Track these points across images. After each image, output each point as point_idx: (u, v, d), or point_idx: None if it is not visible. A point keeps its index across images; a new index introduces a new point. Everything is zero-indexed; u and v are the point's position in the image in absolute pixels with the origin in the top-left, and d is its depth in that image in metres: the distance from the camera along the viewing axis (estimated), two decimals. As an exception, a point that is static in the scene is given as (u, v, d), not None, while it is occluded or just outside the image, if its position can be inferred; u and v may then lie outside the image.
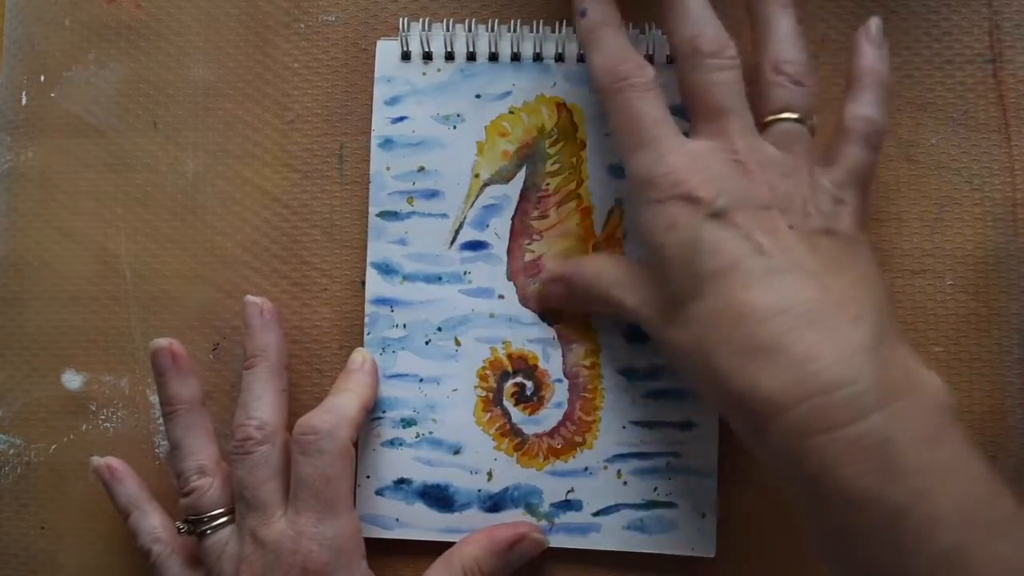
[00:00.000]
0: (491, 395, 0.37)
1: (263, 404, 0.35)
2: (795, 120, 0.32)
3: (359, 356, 0.37)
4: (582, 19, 0.33)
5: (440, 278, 0.37)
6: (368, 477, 0.37)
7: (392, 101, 0.38)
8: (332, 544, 0.32)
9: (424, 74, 0.38)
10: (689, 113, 0.33)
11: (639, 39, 0.37)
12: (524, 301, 0.37)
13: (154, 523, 0.36)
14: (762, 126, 0.32)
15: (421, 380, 0.37)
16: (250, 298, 0.37)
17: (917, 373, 0.28)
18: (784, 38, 0.33)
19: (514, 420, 0.37)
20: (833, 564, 0.28)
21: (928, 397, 0.27)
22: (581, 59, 0.37)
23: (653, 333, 0.32)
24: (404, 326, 0.37)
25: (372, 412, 0.37)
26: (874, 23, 0.34)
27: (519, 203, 0.37)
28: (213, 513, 0.35)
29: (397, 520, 0.37)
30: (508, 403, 0.37)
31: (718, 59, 0.32)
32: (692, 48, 0.32)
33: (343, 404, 0.35)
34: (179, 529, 0.35)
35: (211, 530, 0.34)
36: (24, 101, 0.40)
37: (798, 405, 0.27)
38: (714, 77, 0.31)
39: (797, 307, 0.28)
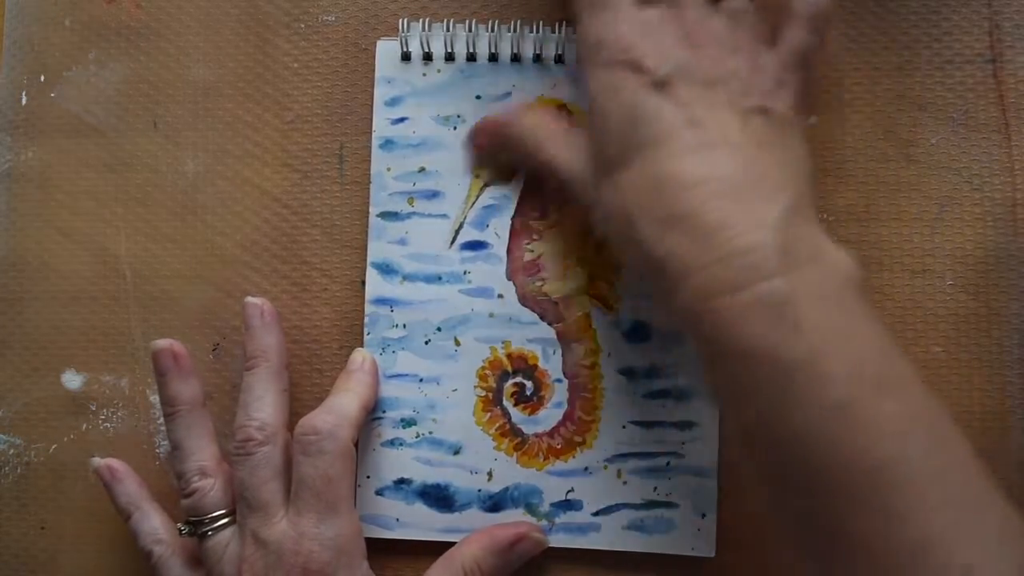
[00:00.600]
0: (491, 395, 0.37)
1: (264, 405, 0.35)
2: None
3: (359, 356, 0.37)
4: None
5: (440, 278, 0.37)
6: (368, 477, 0.37)
7: (392, 102, 0.38)
8: (333, 544, 0.32)
9: (424, 75, 0.38)
10: None
11: None
12: (524, 301, 0.37)
13: (155, 524, 0.36)
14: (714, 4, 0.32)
15: (421, 380, 0.37)
16: (250, 299, 0.37)
17: (825, 247, 0.29)
18: None
19: (514, 420, 0.37)
20: (728, 417, 0.30)
21: (832, 268, 0.29)
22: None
23: (581, 195, 0.33)
24: (404, 326, 0.37)
25: (372, 412, 0.37)
26: None
27: (519, 203, 0.37)
28: (215, 514, 0.35)
29: (397, 520, 0.37)
30: (508, 403, 0.37)
31: None
32: None
33: (344, 404, 0.35)
34: (180, 530, 0.35)
35: (212, 531, 0.34)
36: (24, 101, 0.40)
37: (704, 269, 0.28)
38: None
39: (717, 180, 0.29)
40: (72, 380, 0.39)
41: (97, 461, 0.37)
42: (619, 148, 0.31)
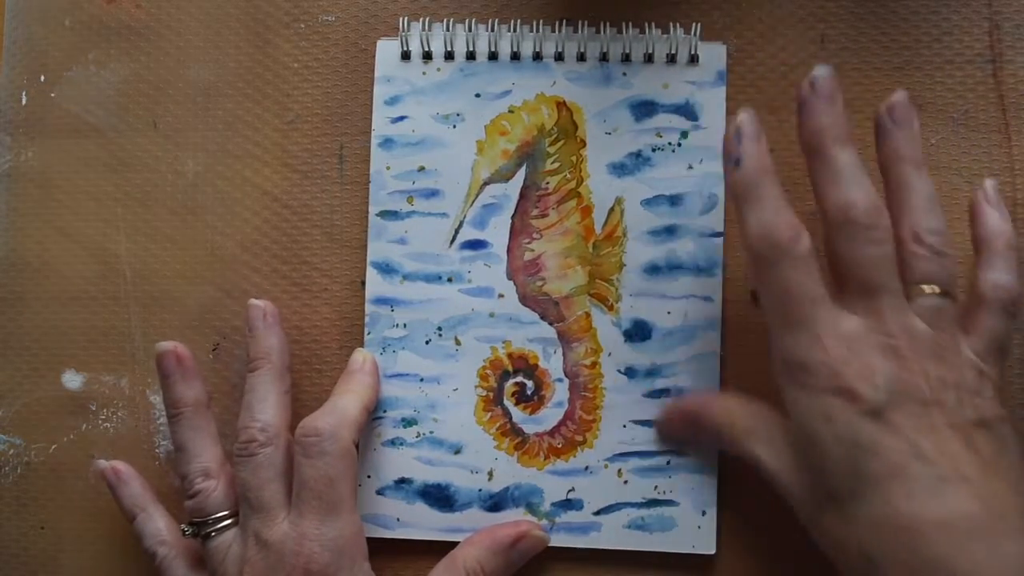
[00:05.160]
0: (491, 394, 0.37)
1: (267, 406, 0.35)
2: (940, 294, 0.32)
3: (360, 356, 0.37)
4: (736, 169, 0.32)
5: (440, 277, 0.37)
6: (369, 477, 0.37)
7: (392, 101, 0.38)
8: (334, 545, 0.32)
9: (424, 74, 0.38)
10: (837, 279, 0.32)
11: (639, 39, 0.37)
12: (524, 300, 0.37)
13: (159, 526, 0.36)
14: (908, 295, 0.32)
15: (422, 380, 0.37)
16: (254, 301, 0.37)
17: None
18: (922, 204, 0.32)
19: (515, 419, 0.37)
20: None
21: None
22: (581, 58, 0.37)
23: (799, 509, 0.32)
24: (404, 326, 0.37)
25: (373, 412, 0.37)
26: (989, 183, 0.34)
27: (519, 202, 0.37)
28: (218, 515, 0.35)
29: (398, 520, 0.37)
30: (508, 402, 0.37)
31: (872, 231, 0.31)
32: (845, 217, 0.31)
33: (345, 405, 0.35)
34: (184, 531, 0.35)
35: (215, 532, 0.34)
36: (24, 101, 0.40)
37: None
38: (868, 251, 0.31)
39: (961, 522, 0.28)
40: (72, 380, 0.39)
41: (102, 463, 0.37)
42: (843, 480, 0.30)
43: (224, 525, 0.35)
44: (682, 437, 0.36)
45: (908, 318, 0.31)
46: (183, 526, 0.35)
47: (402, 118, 0.38)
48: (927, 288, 0.31)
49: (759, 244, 0.31)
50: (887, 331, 0.31)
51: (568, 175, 0.37)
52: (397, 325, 0.37)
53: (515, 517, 0.37)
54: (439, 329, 0.37)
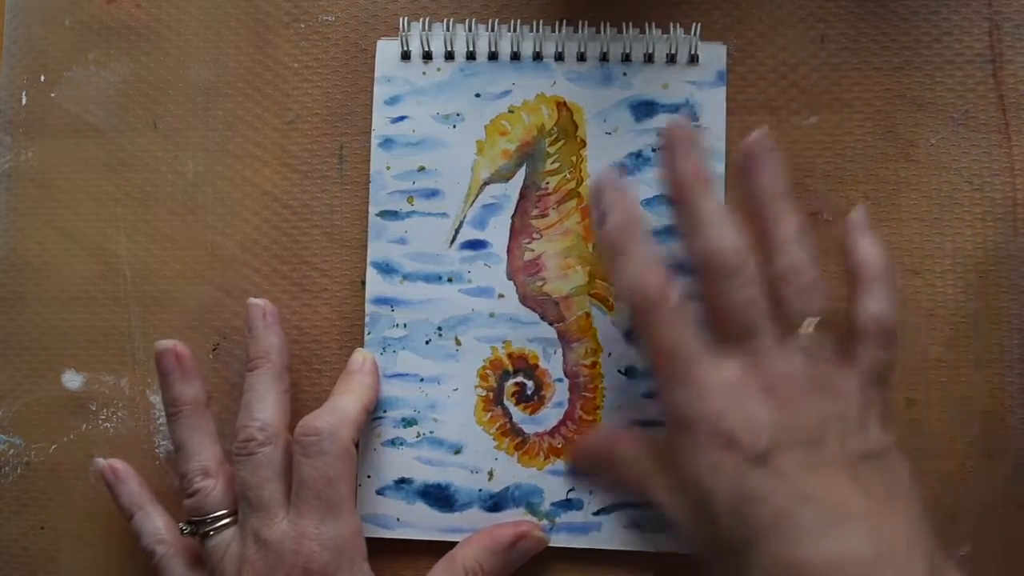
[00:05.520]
0: (492, 394, 0.37)
1: (266, 406, 0.35)
2: (816, 328, 0.32)
3: (359, 356, 0.37)
4: (601, 227, 0.33)
5: (440, 277, 0.37)
6: (369, 477, 0.37)
7: (392, 101, 0.38)
8: (333, 545, 0.32)
9: (424, 74, 0.38)
10: (715, 325, 0.32)
11: (639, 39, 0.37)
12: (524, 300, 0.37)
13: (158, 524, 0.36)
14: (783, 333, 0.32)
15: (422, 380, 0.37)
16: (253, 300, 0.37)
17: None
18: (790, 238, 0.32)
19: (515, 419, 0.37)
20: None
21: None
22: (581, 58, 0.38)
23: (699, 557, 0.32)
24: (404, 326, 0.37)
25: (373, 412, 0.37)
26: (858, 211, 0.34)
27: (519, 202, 0.37)
28: (216, 514, 0.35)
29: (398, 520, 0.37)
30: (509, 402, 0.37)
31: (740, 276, 0.31)
32: (717, 264, 0.31)
33: (344, 405, 0.35)
34: (182, 530, 0.35)
35: (214, 531, 0.34)
36: (24, 101, 0.40)
37: None
38: (737, 296, 0.31)
39: (851, 563, 0.28)
40: (72, 380, 0.39)
41: (100, 462, 0.37)
42: (734, 530, 0.30)
43: (223, 524, 0.34)
44: (589, 471, 0.37)
45: (785, 357, 0.31)
46: (181, 525, 0.35)
47: (402, 118, 0.38)
48: (803, 324, 0.31)
49: (631, 300, 0.32)
50: (765, 374, 0.31)
51: (568, 175, 0.37)
52: (397, 325, 0.37)
53: (515, 517, 0.37)
54: (439, 329, 0.37)
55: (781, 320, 0.32)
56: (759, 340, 0.31)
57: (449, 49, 0.38)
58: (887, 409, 0.32)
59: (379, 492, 0.37)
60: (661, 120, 0.37)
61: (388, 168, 0.38)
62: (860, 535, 0.28)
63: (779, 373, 0.31)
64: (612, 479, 0.36)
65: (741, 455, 0.30)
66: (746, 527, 0.29)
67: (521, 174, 0.38)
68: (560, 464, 0.37)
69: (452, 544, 0.36)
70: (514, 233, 0.37)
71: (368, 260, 0.38)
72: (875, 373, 0.32)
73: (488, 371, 0.37)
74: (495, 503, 0.37)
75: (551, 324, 0.37)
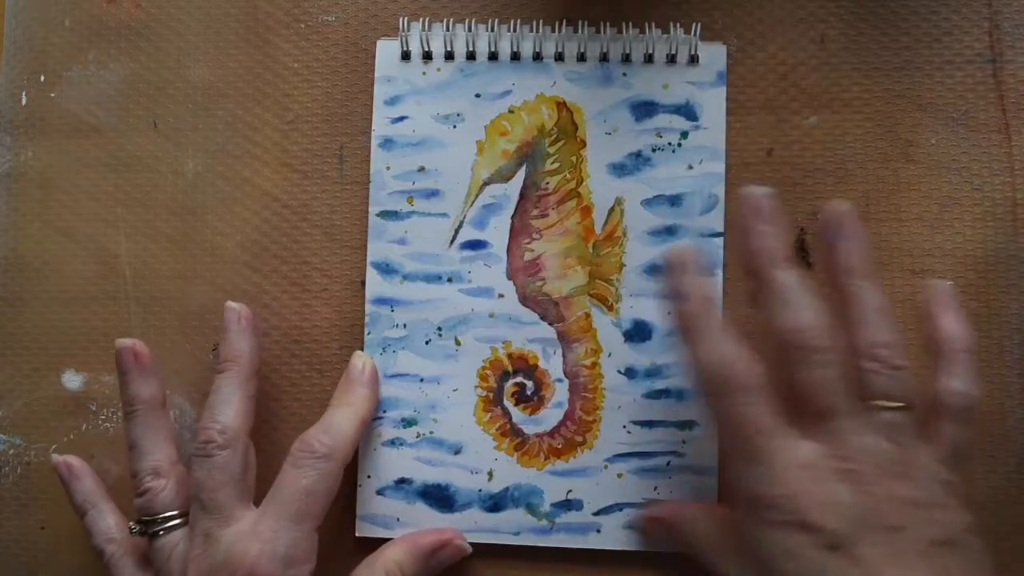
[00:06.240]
0: (491, 395, 0.37)
1: (229, 409, 0.35)
2: (898, 408, 0.31)
3: (359, 363, 0.37)
4: (682, 305, 0.32)
5: (440, 277, 0.37)
6: (369, 477, 0.37)
7: (392, 101, 0.38)
8: (284, 554, 0.32)
9: (424, 74, 0.38)
10: (794, 403, 0.32)
11: (639, 39, 0.37)
12: (524, 300, 0.37)
13: (109, 523, 0.36)
14: (864, 412, 0.31)
15: (422, 380, 0.37)
16: (231, 304, 0.37)
17: None
18: (873, 318, 0.32)
19: (514, 420, 0.37)
20: None
21: None
22: (581, 58, 0.37)
23: None
24: (404, 326, 0.37)
25: (371, 420, 0.37)
26: (943, 286, 0.34)
27: (519, 202, 0.37)
28: (166, 515, 0.34)
29: (398, 520, 0.37)
30: (508, 403, 0.37)
31: (821, 355, 0.31)
32: (796, 342, 0.31)
33: (341, 423, 0.35)
34: (131, 529, 0.35)
35: (163, 531, 0.34)
36: (24, 101, 0.40)
37: None
38: (818, 375, 0.31)
39: None
40: (72, 380, 0.39)
41: (56, 457, 0.37)
42: None
43: (172, 525, 0.34)
44: (657, 543, 0.36)
45: (866, 438, 0.31)
46: (131, 524, 0.35)
47: (402, 118, 0.38)
48: (884, 403, 0.31)
49: (711, 378, 0.31)
50: (845, 455, 0.30)
51: (568, 175, 0.37)
52: (397, 325, 0.37)
53: (515, 517, 0.37)
54: (439, 329, 0.37)
55: (863, 399, 0.31)
56: (839, 420, 0.31)
57: (449, 49, 0.38)
58: (965, 489, 0.31)
59: (379, 492, 0.37)
60: (661, 120, 0.37)
61: (388, 168, 0.38)
62: None
63: (860, 454, 0.30)
64: (679, 546, 0.35)
65: (819, 539, 0.29)
66: None
67: (521, 174, 0.37)
68: (560, 464, 0.37)
69: (452, 544, 0.36)
70: (514, 233, 0.37)
71: (368, 260, 0.38)
72: (957, 450, 0.31)
73: (488, 371, 0.37)
74: (495, 503, 0.37)
75: (551, 324, 0.37)
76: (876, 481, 0.30)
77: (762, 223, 0.32)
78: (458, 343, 0.37)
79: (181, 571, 0.33)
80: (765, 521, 0.30)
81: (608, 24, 0.38)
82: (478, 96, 0.38)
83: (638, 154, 0.37)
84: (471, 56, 0.38)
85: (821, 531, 0.29)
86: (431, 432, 0.37)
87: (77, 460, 0.37)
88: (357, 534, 0.37)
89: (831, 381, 0.31)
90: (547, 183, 0.37)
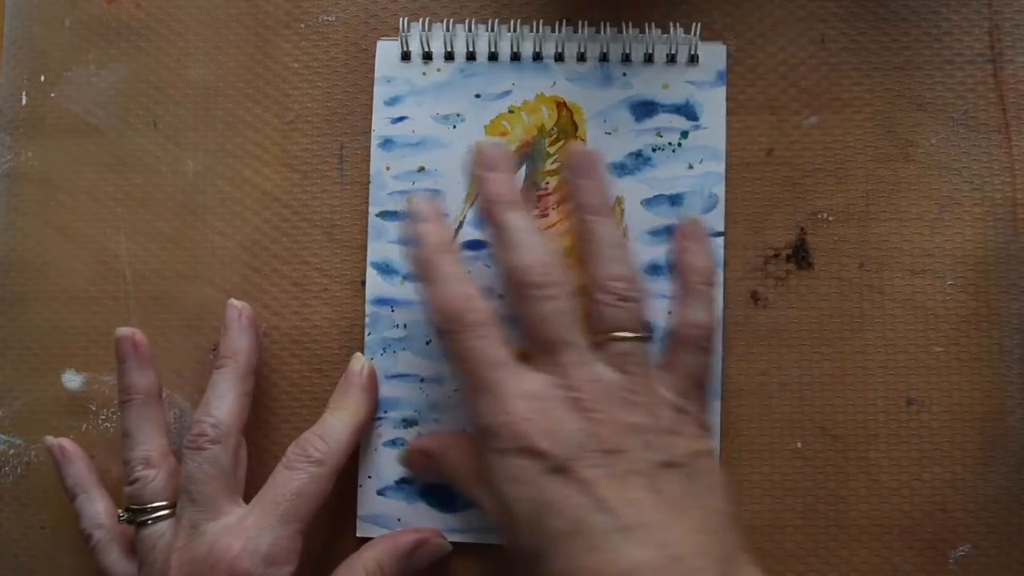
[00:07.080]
0: (491, 395, 0.37)
1: (223, 404, 0.35)
2: (631, 338, 0.32)
3: (358, 365, 0.37)
4: (416, 250, 0.33)
5: (440, 278, 0.37)
6: (370, 477, 0.37)
7: (392, 101, 0.38)
8: (266, 552, 0.32)
9: (424, 74, 0.38)
10: (526, 340, 0.33)
11: (639, 39, 0.37)
12: (524, 301, 0.37)
13: (98, 508, 0.36)
14: (597, 344, 0.32)
15: (422, 380, 0.37)
16: (233, 301, 0.37)
17: None
18: (607, 252, 0.33)
19: (514, 420, 0.37)
20: None
21: None
22: (581, 58, 0.38)
23: (513, 563, 0.32)
24: (404, 326, 0.37)
25: (369, 424, 0.37)
26: (693, 218, 0.35)
27: (519, 203, 0.37)
28: (154, 505, 0.35)
29: (399, 520, 0.37)
30: (508, 403, 0.37)
31: (546, 290, 0.32)
32: (522, 280, 0.32)
33: (338, 429, 0.35)
34: (119, 517, 0.35)
35: (151, 520, 0.34)
36: (24, 101, 0.40)
37: None
38: (543, 309, 0.32)
39: (635, 570, 0.28)
40: (72, 380, 0.39)
41: (50, 440, 0.38)
42: (533, 540, 0.30)
43: (159, 515, 0.34)
44: (423, 474, 0.37)
45: (593, 368, 0.31)
46: (120, 511, 0.35)
47: (402, 118, 0.38)
48: (617, 335, 0.32)
49: (439, 317, 0.32)
50: (570, 385, 0.31)
51: (568, 175, 0.37)
52: (397, 326, 0.37)
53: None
54: (439, 329, 0.37)
55: (597, 331, 0.32)
56: (566, 352, 0.32)
57: (449, 49, 0.38)
58: (704, 415, 0.33)
59: (380, 492, 0.37)
60: (661, 120, 0.37)
61: (388, 168, 0.38)
62: (649, 543, 0.28)
63: (586, 384, 0.31)
64: (443, 477, 0.36)
65: (541, 464, 0.30)
66: (543, 536, 0.29)
67: (521, 174, 0.38)
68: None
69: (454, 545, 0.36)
70: (514, 233, 0.37)
71: (368, 260, 0.38)
72: (693, 377, 0.32)
73: (488, 371, 0.37)
74: (495, 503, 0.37)
75: (551, 324, 0.37)
76: (601, 408, 0.31)
77: (490, 171, 0.34)
78: (458, 343, 0.37)
79: (164, 561, 0.33)
80: (495, 449, 0.31)
81: (608, 24, 0.38)
82: (478, 96, 0.38)
83: (638, 154, 0.37)
84: (471, 56, 0.38)
85: (544, 455, 0.30)
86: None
87: (70, 443, 0.38)
88: (358, 534, 0.37)
89: (559, 315, 0.32)
90: (547, 183, 0.37)
